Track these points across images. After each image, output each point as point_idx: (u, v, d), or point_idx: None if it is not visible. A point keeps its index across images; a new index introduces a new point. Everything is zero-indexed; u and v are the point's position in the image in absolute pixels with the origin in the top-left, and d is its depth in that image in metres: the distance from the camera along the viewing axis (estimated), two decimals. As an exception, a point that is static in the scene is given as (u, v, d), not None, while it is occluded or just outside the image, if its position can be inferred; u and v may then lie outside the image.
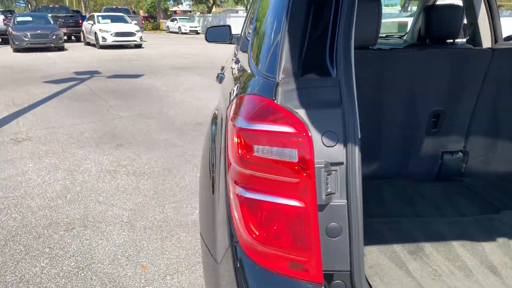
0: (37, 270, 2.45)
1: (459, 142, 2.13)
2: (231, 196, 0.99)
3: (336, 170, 0.94)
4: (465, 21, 2.92)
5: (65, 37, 19.33)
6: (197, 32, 36.94)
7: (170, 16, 56.65)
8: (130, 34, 18.54)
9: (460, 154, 2.16)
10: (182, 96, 7.64)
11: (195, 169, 4.02)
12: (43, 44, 16.44)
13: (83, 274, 2.41)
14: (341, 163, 0.94)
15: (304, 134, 0.91)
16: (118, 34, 18.24)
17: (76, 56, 15.22)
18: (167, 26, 39.47)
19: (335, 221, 0.95)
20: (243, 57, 1.62)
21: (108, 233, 2.86)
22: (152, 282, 2.35)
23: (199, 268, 2.48)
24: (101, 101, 7.20)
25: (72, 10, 28.39)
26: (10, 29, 17.16)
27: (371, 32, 1.83)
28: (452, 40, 2.30)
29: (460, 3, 2.88)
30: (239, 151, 0.93)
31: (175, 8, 63.56)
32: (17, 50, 16.31)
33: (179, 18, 38.79)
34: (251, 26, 1.72)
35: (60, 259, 2.56)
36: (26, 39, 16.09)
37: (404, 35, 4.12)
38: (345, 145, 0.94)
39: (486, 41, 2.92)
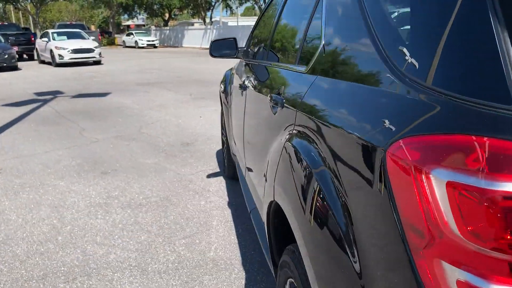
0: (42, 338, 2.03)
1: None
2: (432, 278, 0.68)
3: None
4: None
5: (17, 56, 18.32)
6: (154, 46, 36.25)
7: (122, 31, 55.50)
8: (89, 50, 17.79)
9: None
10: (159, 114, 7.22)
11: (197, 197, 3.66)
12: (-6, 64, 15.46)
13: None
14: None
15: None
16: (75, 51, 17.45)
17: (32, 75, 14.37)
18: (123, 40, 38.57)
19: None
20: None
21: (117, 282, 2.46)
22: None
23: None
24: (71, 123, 6.67)
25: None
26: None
27: None
28: None
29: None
30: (483, 225, 0.62)
31: (128, 22, 62.41)
32: (-35, 71, 15.24)
33: (135, 32, 38.00)
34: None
35: (67, 321, 2.15)
36: (-24, 60, 15.08)
37: None
38: None
39: None
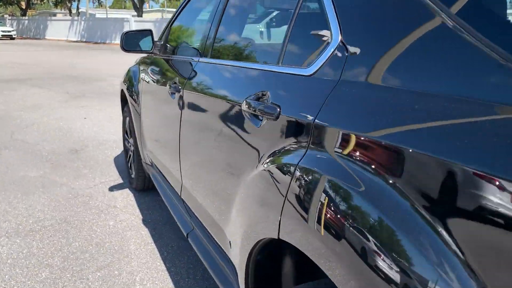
0: None
1: None
2: None
3: None
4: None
5: None
6: (11, 37, 32.35)
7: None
8: None
9: None
10: (33, 116, 6.24)
11: (103, 216, 3.12)
12: None
13: None
14: None
15: None
16: None
17: None
18: (-29, 30, 33.66)
19: None
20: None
21: None
22: None
23: None
24: None
25: None
26: None
27: None
28: None
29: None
30: None
31: (-25, 10, 54.85)
32: None
33: (-14, 21, 33.46)
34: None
35: None
36: None
37: None
38: None
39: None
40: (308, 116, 1.08)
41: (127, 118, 3.56)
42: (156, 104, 2.61)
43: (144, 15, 32.22)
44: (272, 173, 1.17)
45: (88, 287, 2.29)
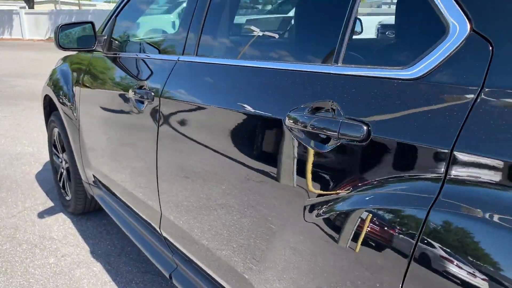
0: None
1: None
2: None
3: None
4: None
5: None
6: None
7: None
8: None
9: None
10: None
11: (38, 252, 2.54)
12: None
13: None
14: None
15: None
16: None
17: None
18: None
19: None
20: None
21: None
22: None
23: None
24: None
25: None
26: None
27: None
28: None
29: None
30: None
31: None
32: None
33: None
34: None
35: None
36: None
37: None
38: None
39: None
40: (437, 139, 0.76)
41: (56, 129, 2.96)
42: (107, 115, 2.12)
43: (36, 6, 29.21)
44: (364, 222, 0.84)
45: None
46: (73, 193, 2.84)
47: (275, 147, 1.11)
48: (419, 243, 0.74)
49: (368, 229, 0.84)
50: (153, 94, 1.64)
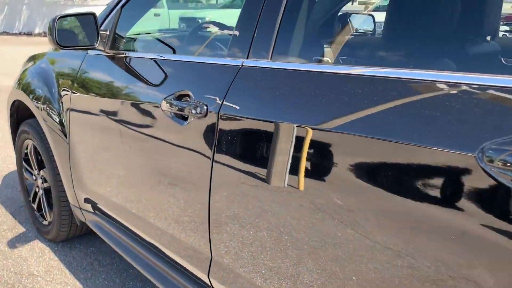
0: None
1: None
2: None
3: None
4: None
5: None
6: None
7: None
8: None
9: None
10: None
11: (19, 294, 2.07)
12: None
13: None
14: None
15: None
16: None
17: None
18: None
19: None
20: None
21: None
22: None
23: None
24: None
25: None
26: None
27: None
28: None
29: None
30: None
31: None
32: None
33: None
34: None
35: None
36: None
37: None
38: None
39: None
40: None
41: (29, 142, 2.47)
42: (117, 129, 1.71)
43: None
44: None
45: None
46: (56, 218, 2.36)
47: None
48: None
49: None
50: (205, 107, 1.28)
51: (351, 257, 0.96)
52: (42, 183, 2.47)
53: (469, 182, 0.77)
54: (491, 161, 0.73)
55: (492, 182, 0.74)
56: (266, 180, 1.11)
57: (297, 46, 1.26)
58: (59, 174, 2.23)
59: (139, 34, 1.91)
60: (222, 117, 1.23)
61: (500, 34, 1.77)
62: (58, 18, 1.67)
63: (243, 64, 1.24)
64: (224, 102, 1.23)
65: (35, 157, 2.48)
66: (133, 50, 1.91)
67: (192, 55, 1.60)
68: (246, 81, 1.22)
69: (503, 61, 1.30)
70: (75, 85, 1.96)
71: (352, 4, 4.78)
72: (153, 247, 1.70)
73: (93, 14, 1.75)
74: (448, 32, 1.15)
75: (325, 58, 1.33)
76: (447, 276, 0.81)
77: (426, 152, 0.82)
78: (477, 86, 0.81)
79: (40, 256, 2.40)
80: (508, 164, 0.72)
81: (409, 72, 0.93)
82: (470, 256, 0.78)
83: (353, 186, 0.93)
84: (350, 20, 1.75)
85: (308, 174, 1.02)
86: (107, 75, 1.81)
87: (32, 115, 2.50)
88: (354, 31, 1.55)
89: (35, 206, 2.60)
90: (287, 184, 1.07)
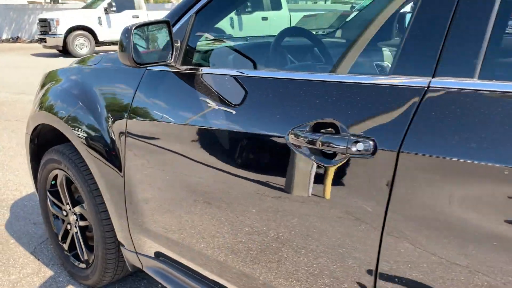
0: None
1: None
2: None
3: None
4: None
5: None
6: None
7: None
8: None
9: None
10: None
11: None
12: None
13: None
14: None
15: None
16: None
17: None
18: None
19: None
20: None
21: None
22: None
23: None
24: None
25: None
26: None
27: None
28: None
29: None
30: None
31: None
32: None
33: None
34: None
35: None
36: None
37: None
38: None
39: None
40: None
41: (60, 172, 2.10)
42: (211, 164, 1.37)
43: None
44: None
45: None
46: (98, 262, 2.00)
47: None
48: None
49: None
50: (371, 143, 0.98)
51: None
52: (77, 220, 2.10)
53: None
54: None
55: None
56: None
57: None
58: (104, 211, 1.88)
59: (229, 45, 1.58)
60: (404, 157, 0.93)
61: None
62: (135, 28, 1.33)
63: (430, 85, 0.94)
64: (406, 137, 0.93)
65: (67, 190, 2.11)
66: (222, 66, 1.59)
67: (328, 72, 1.28)
68: (439, 108, 0.92)
69: None
70: (133, 107, 1.62)
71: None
72: None
73: (167, 22, 1.41)
74: None
75: None
76: None
77: None
78: None
79: (80, 307, 2.04)
80: None
81: None
82: None
83: None
84: None
85: None
86: (185, 96, 1.47)
87: (60, 140, 2.14)
88: None
89: (65, 246, 2.23)
90: None
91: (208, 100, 1.41)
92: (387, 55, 1.92)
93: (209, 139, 1.40)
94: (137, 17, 12.86)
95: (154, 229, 1.67)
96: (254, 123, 1.25)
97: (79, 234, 2.12)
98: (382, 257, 1.01)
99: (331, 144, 1.05)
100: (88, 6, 13.54)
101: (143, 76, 1.62)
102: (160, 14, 12.11)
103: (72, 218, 2.13)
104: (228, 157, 1.32)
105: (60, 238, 2.26)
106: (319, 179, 1.09)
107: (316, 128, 1.10)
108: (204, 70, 1.49)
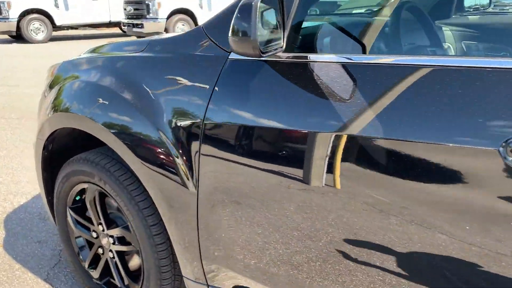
0: None
1: None
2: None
3: None
4: None
5: None
6: None
7: None
8: None
9: None
10: None
11: None
12: None
13: None
14: None
15: None
16: None
17: None
18: None
19: None
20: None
21: None
22: None
23: None
24: None
25: None
26: None
27: None
28: None
29: None
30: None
31: None
32: None
33: None
34: None
35: None
36: None
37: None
38: None
39: None
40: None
41: (91, 187, 1.72)
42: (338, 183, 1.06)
43: None
44: None
45: None
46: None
47: None
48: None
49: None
50: None
51: None
52: (114, 243, 1.72)
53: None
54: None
55: None
56: None
57: None
58: (157, 234, 1.53)
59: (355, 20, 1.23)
60: None
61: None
62: (261, 1, 0.97)
63: None
64: None
65: (101, 208, 1.73)
66: (344, 51, 1.25)
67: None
68: None
69: None
70: (211, 107, 1.26)
71: None
72: None
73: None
74: None
75: None
76: None
77: None
78: None
79: None
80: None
81: None
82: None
83: None
84: None
85: None
86: (291, 93, 1.14)
87: (84, 148, 1.76)
88: None
89: (96, 274, 1.84)
90: None
91: (329, 98, 1.08)
92: None
93: (332, 150, 1.07)
94: (97, -1, 12.04)
95: (235, 255, 1.34)
96: (445, 130, 0.93)
97: (116, 260, 1.74)
98: None
99: None
100: (42, -13, 12.53)
101: (224, 67, 1.27)
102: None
103: (106, 240, 1.75)
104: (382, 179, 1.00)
105: (87, 265, 1.87)
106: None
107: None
108: (319, 57, 1.16)
